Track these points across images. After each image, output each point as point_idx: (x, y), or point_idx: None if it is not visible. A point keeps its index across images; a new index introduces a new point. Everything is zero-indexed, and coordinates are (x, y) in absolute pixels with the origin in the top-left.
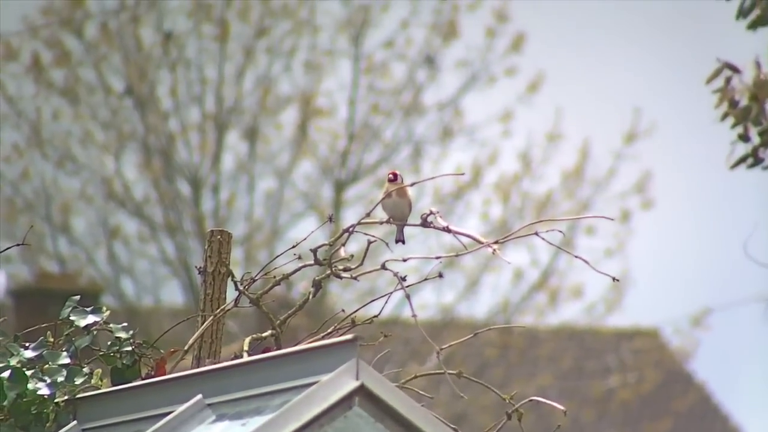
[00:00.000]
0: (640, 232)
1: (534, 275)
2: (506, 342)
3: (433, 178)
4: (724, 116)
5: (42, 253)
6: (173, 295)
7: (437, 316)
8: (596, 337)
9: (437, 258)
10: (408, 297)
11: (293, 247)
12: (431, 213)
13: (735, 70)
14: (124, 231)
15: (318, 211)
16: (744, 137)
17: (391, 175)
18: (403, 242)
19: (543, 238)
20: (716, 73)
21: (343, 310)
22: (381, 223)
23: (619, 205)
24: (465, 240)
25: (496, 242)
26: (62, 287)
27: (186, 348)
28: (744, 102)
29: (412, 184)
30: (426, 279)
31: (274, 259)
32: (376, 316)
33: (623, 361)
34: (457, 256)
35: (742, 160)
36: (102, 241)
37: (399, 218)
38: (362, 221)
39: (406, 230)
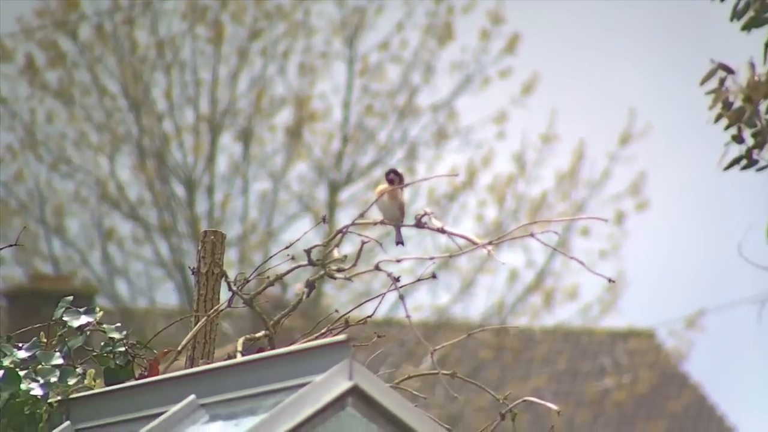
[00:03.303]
0: (634, 234)
1: (529, 276)
2: (501, 343)
3: (426, 179)
4: (718, 118)
5: (36, 254)
6: (168, 296)
7: (432, 317)
8: (591, 338)
9: (431, 259)
10: (402, 298)
11: (287, 247)
12: (426, 214)
13: (729, 71)
14: (119, 232)
15: (312, 212)
16: (738, 139)
17: (391, 175)
18: (403, 244)
19: (538, 239)
20: (710, 75)
21: (336, 311)
22: (375, 224)
23: (614, 207)
24: (460, 241)
25: (490, 243)
26: (56, 288)
27: (179, 349)
28: (738, 103)
29: (405, 186)
30: (420, 280)
31: (268, 259)
32: (369, 317)
33: (618, 362)
34: (451, 257)
35: (736, 161)
36: (96, 243)
37: (391, 219)
38: (356, 222)
39: (402, 231)
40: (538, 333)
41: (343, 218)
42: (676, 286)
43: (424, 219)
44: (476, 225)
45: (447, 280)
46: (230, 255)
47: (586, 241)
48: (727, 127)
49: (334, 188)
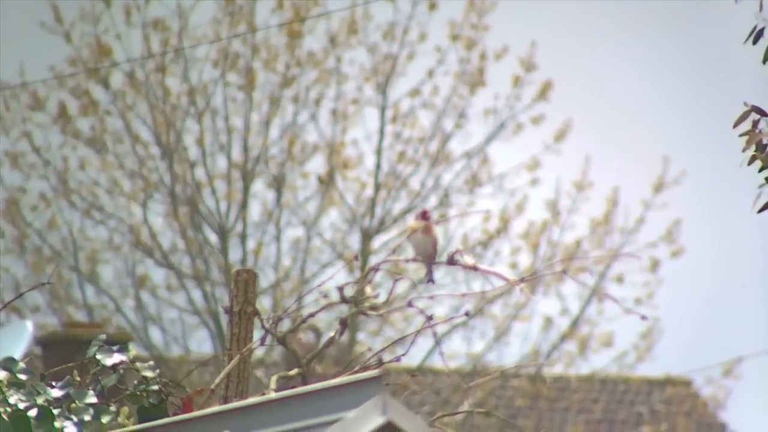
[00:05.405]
0: (669, 281)
1: (564, 324)
2: (537, 391)
3: (460, 215)
4: (752, 160)
5: (70, 302)
6: (202, 344)
7: (467, 365)
8: (627, 386)
9: (464, 295)
10: (435, 336)
11: (319, 285)
12: (458, 251)
13: (762, 113)
14: (152, 280)
15: (345, 260)
16: None
17: (421, 214)
18: (434, 282)
19: (572, 278)
20: (743, 117)
21: (369, 349)
22: (407, 260)
23: (649, 254)
24: (493, 280)
25: (522, 280)
26: (90, 335)
27: (213, 386)
28: None
29: (438, 222)
30: (452, 318)
31: (301, 298)
32: (403, 354)
33: (655, 410)
34: (484, 293)
35: None
36: (129, 290)
37: (423, 255)
38: (388, 259)
39: (434, 270)
40: (573, 381)
41: None
42: (713, 333)
43: (456, 256)
44: (510, 272)
45: (481, 327)
46: (263, 302)
47: (621, 289)
48: (761, 170)
49: (367, 236)
